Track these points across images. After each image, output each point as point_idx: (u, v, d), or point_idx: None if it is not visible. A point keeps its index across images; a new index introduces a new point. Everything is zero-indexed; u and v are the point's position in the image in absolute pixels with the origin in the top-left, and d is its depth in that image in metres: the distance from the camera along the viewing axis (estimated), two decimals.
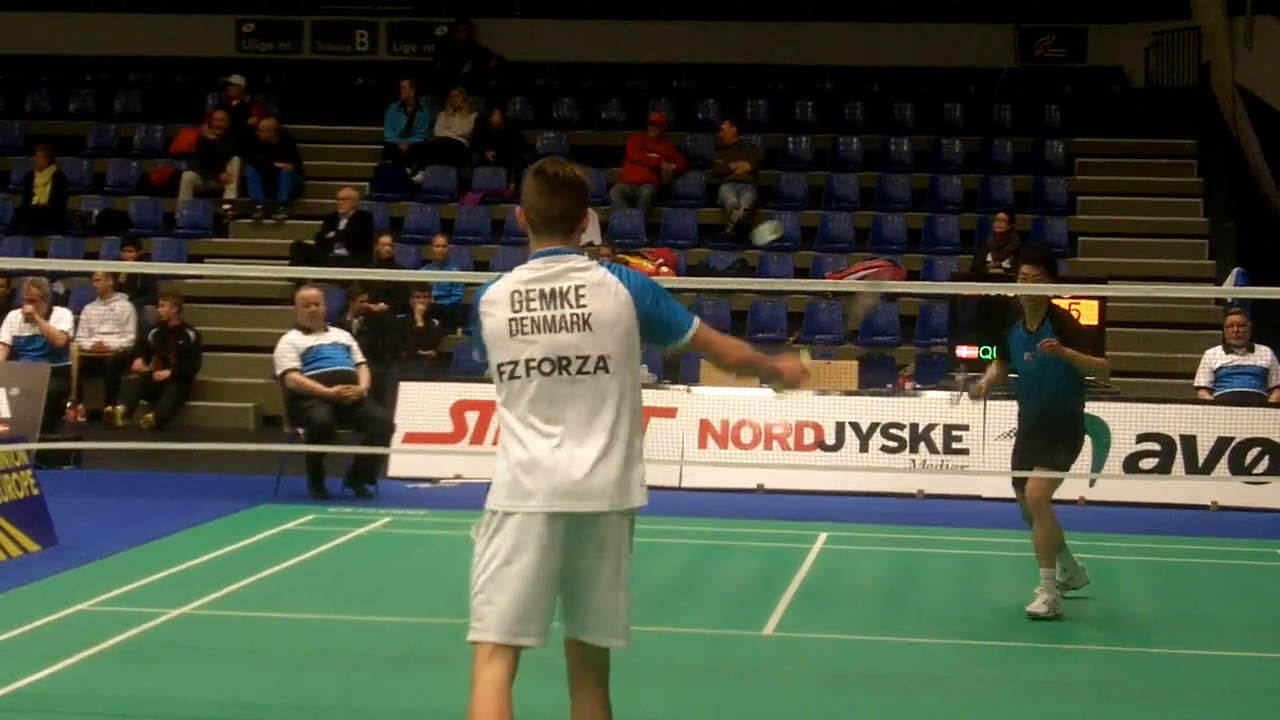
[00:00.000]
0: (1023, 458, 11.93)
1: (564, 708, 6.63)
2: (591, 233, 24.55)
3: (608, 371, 6.32)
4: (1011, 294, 13.42)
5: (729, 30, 28.75)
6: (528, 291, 6.33)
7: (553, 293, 6.31)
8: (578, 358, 6.29)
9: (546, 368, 6.29)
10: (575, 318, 6.29)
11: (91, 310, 21.97)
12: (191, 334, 21.91)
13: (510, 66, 28.30)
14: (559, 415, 6.30)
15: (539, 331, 6.30)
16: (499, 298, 6.37)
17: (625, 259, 23.01)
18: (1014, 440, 12.29)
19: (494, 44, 28.72)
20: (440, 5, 29.63)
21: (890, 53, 28.18)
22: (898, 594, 12.67)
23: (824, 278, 22.64)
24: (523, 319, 6.31)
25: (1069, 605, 11.90)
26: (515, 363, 6.32)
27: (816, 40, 28.44)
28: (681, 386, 18.39)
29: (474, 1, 29.20)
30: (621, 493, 6.33)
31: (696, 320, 6.51)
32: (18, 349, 19.38)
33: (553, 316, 6.29)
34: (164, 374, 21.43)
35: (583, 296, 6.31)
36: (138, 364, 21.51)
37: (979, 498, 17.06)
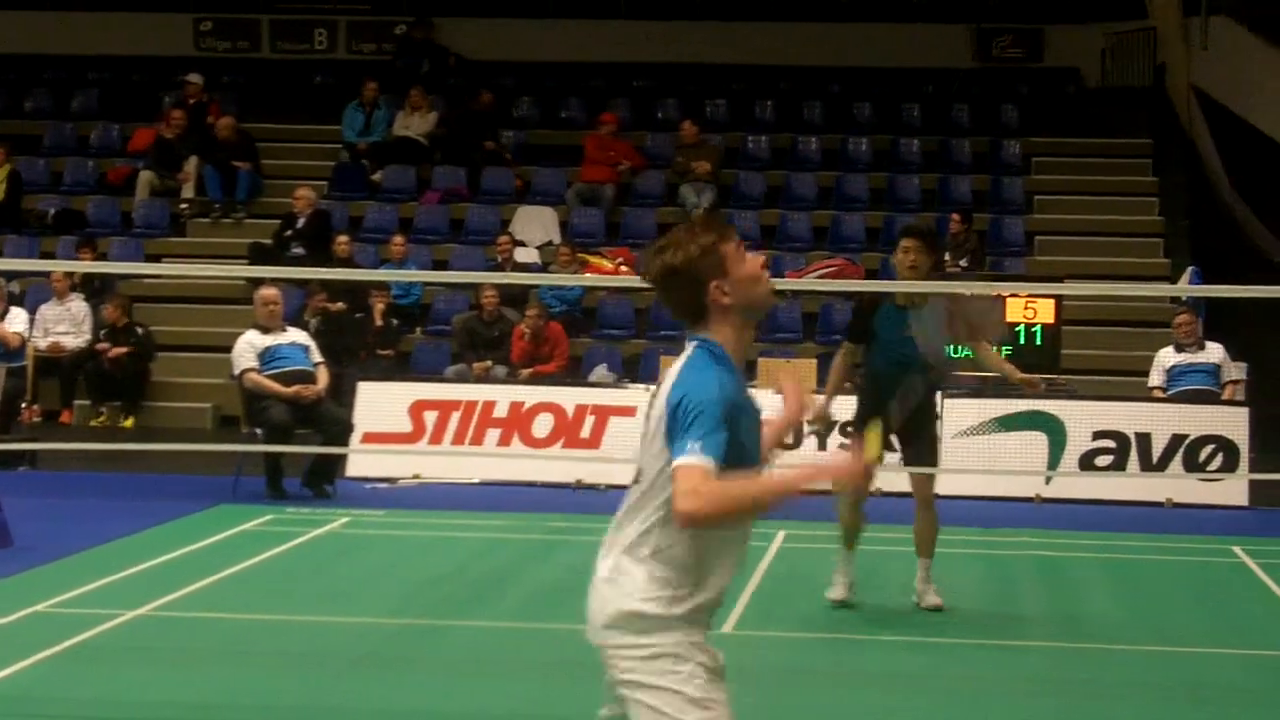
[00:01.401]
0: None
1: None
2: (550, 232, 24.60)
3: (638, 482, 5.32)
4: (968, 291, 13.42)
5: (688, 30, 28.77)
6: None
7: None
8: None
9: None
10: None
11: (48, 310, 21.90)
12: (140, 330, 21.86)
13: (470, 65, 28.28)
14: None
15: None
16: None
17: (585, 258, 23.05)
18: (862, 409, 11.69)
19: (453, 43, 28.69)
20: (399, 4, 29.60)
21: (849, 53, 28.24)
22: (856, 592, 12.68)
23: (783, 276, 22.66)
24: None
25: (1027, 603, 11.96)
26: None
27: (775, 40, 28.47)
28: (642, 385, 18.39)
29: (433, 0, 29.17)
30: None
31: (692, 459, 5.00)
32: None
33: None
34: (118, 351, 21.31)
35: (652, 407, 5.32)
36: (107, 349, 21.44)
37: (936, 495, 17.02)
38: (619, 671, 5.21)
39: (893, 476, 12.16)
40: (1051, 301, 18.68)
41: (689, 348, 5.21)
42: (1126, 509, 16.74)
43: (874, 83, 28.14)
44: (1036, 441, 17.34)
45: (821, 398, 11.80)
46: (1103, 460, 17.35)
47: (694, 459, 4.95)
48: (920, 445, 11.83)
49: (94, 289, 22.82)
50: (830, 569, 12.73)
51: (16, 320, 19.67)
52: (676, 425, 5.03)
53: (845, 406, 12.31)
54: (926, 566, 11.79)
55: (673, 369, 5.19)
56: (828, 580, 12.20)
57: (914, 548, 11.85)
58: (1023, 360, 18.45)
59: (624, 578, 5.19)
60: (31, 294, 22.60)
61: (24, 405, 20.06)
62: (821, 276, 22.57)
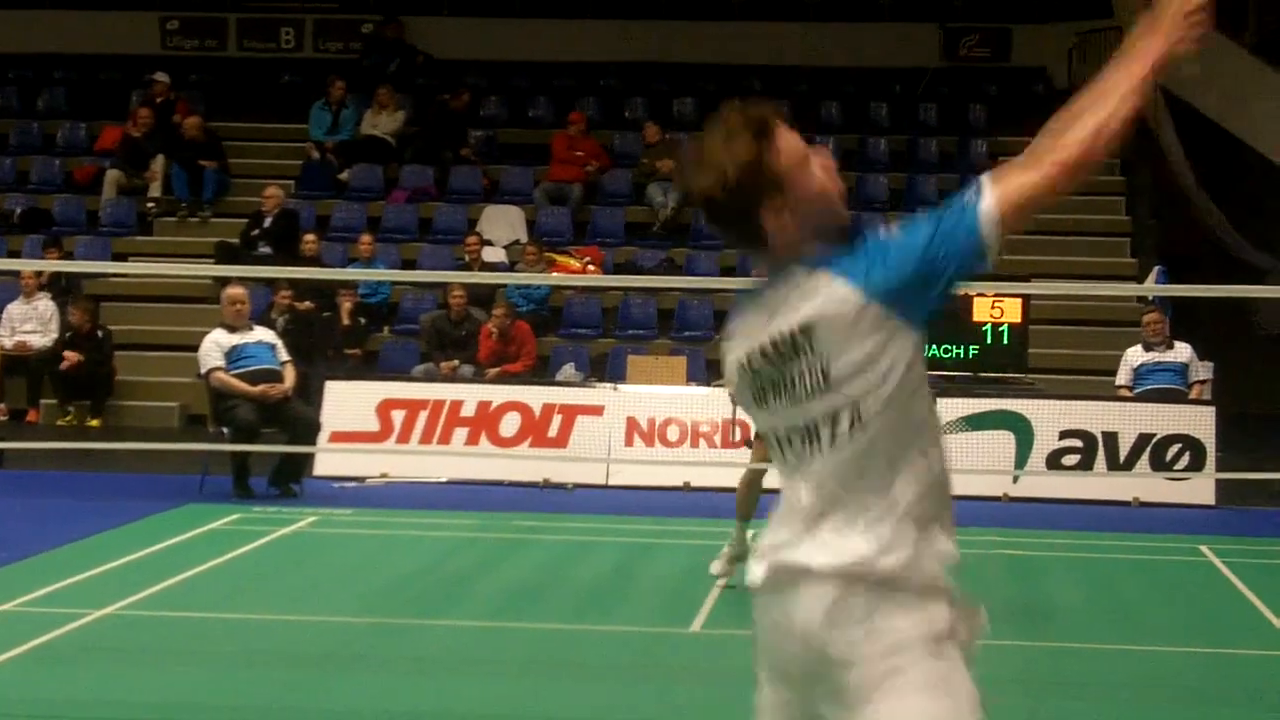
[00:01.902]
0: None
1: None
2: (518, 231, 24.59)
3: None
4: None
5: (656, 29, 28.79)
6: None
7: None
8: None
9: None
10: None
11: (14, 309, 21.84)
12: (100, 333, 21.80)
13: (438, 64, 28.25)
14: None
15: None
16: None
17: (553, 257, 23.04)
18: None
19: (421, 42, 28.66)
20: (367, 2, 29.56)
21: (817, 52, 28.28)
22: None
23: (750, 275, 22.67)
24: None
25: (994, 601, 11.96)
26: None
27: (743, 39, 28.50)
28: (609, 385, 18.41)
29: None
30: None
31: (987, 193, 4.07)
32: None
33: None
34: (73, 356, 21.22)
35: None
36: (68, 354, 21.35)
37: None
38: None
39: None
40: (1019, 300, 18.74)
41: (806, 274, 3.98)
42: (1094, 508, 16.80)
43: (842, 82, 28.18)
44: (1004, 440, 17.37)
45: None
46: (1070, 459, 17.40)
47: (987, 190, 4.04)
48: None
49: (61, 288, 22.75)
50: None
51: None
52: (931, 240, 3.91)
53: None
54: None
55: (795, 301, 3.98)
56: None
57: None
58: (990, 359, 18.58)
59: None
60: None
61: None
62: None
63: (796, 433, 4.08)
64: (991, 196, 4.04)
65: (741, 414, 13.80)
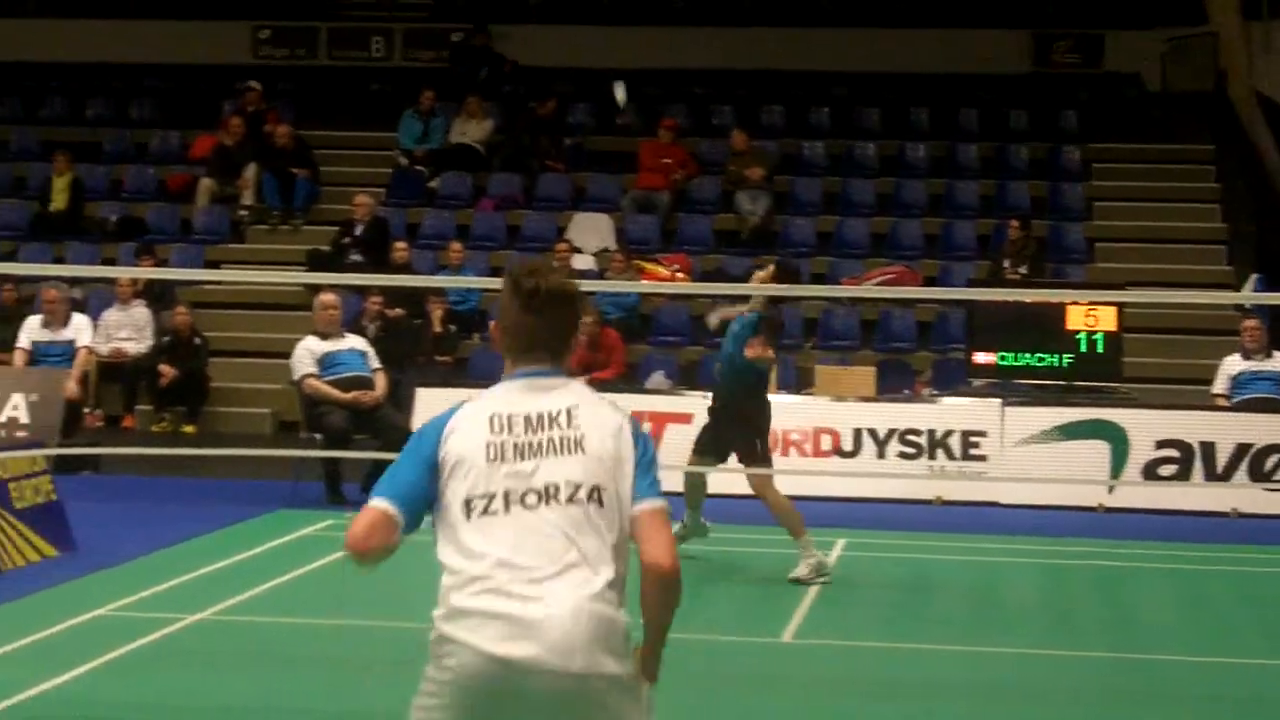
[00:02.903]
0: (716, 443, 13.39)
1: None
2: (606, 239, 24.59)
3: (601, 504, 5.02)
4: (1029, 299, 13.54)
5: (743, 36, 28.74)
6: (509, 416, 5.13)
7: (540, 417, 5.10)
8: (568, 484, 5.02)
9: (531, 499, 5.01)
10: (565, 440, 5.06)
11: (110, 316, 22.00)
12: (198, 340, 21.93)
13: (526, 72, 28.31)
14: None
15: (522, 459, 5.04)
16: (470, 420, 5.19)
17: (641, 265, 23.03)
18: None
19: (509, 50, 28.72)
20: (456, 11, 29.66)
21: (905, 58, 28.15)
22: (914, 600, 12.65)
23: (840, 283, 22.62)
24: (503, 444, 5.08)
25: (1087, 612, 11.88)
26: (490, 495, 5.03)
27: (831, 46, 28.42)
28: (698, 393, 18.36)
29: (490, 7, 29.22)
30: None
31: (659, 502, 5.08)
32: (37, 354, 19.35)
33: (539, 441, 5.07)
34: (169, 371, 21.38)
35: (575, 419, 5.08)
36: (165, 369, 21.48)
37: (997, 504, 17.05)
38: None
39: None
40: (1113, 309, 18.54)
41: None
42: (1190, 519, 16.60)
43: (931, 88, 28.04)
44: (1099, 450, 17.23)
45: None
46: (1166, 469, 17.21)
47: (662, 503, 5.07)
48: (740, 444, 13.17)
49: (155, 295, 22.92)
50: (889, 575, 12.71)
51: (81, 326, 19.74)
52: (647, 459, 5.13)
53: None
54: (802, 544, 12.87)
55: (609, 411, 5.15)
56: (885, 585, 12.19)
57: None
58: (1084, 369, 18.42)
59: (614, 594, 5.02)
60: (93, 300, 22.73)
61: (86, 410, 20.17)
62: (879, 284, 22.49)
63: None
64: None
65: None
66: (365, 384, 16.56)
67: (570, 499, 4.97)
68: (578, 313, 5.27)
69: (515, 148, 26.39)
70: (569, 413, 5.07)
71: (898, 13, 29.17)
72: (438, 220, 25.51)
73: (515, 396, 5.15)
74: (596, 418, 5.09)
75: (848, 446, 17.66)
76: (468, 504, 5.03)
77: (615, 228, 24.89)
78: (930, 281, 23.22)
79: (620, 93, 24.02)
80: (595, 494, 4.98)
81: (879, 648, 11.00)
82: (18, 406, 18.01)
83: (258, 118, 26.66)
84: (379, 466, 16.37)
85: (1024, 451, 17.27)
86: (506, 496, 4.99)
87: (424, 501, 5.15)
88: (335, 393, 16.37)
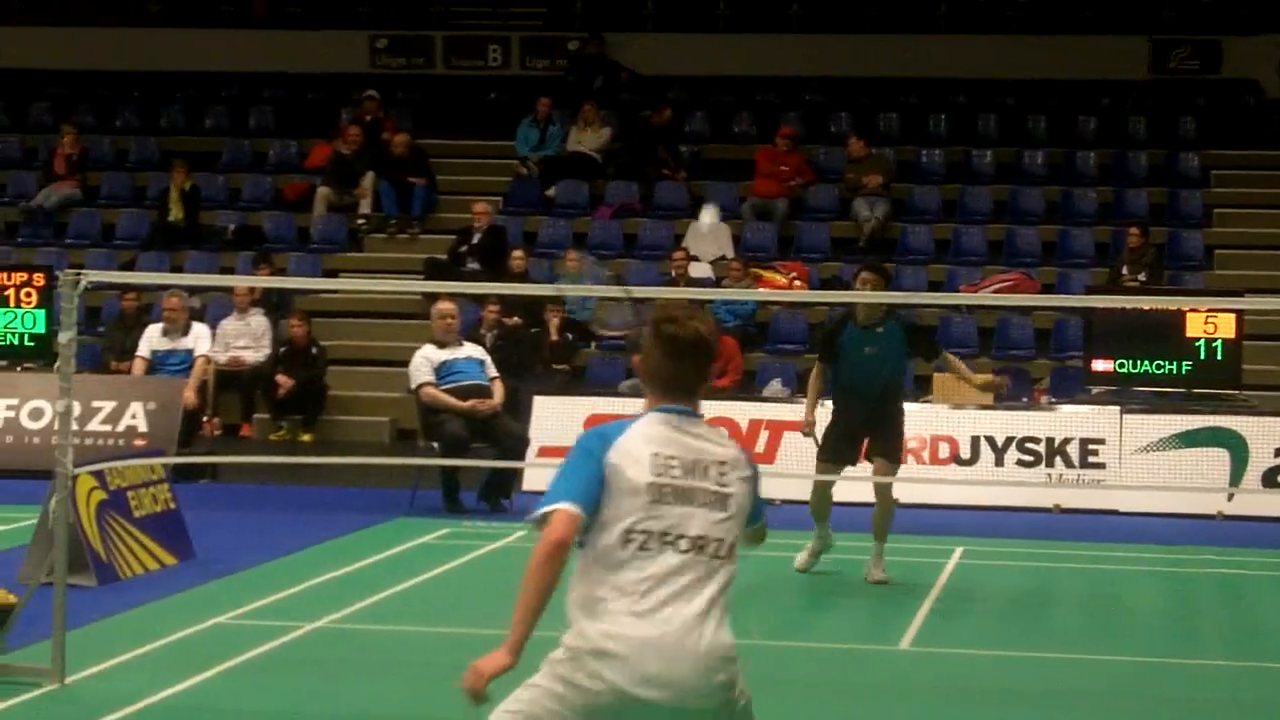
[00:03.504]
0: (850, 448, 13.20)
1: None
2: (723, 247, 24.57)
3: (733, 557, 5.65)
4: (1147, 306, 13.51)
5: (859, 43, 28.63)
6: (668, 458, 5.60)
7: (694, 465, 5.63)
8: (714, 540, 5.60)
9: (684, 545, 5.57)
10: (717, 497, 5.62)
11: (228, 325, 22.17)
12: (315, 350, 22.09)
13: (641, 80, 28.34)
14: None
15: (680, 504, 5.57)
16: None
17: (758, 273, 23.01)
18: (830, 432, 13.19)
19: (625, 58, 28.78)
20: (572, 20, 29.73)
21: (1023, 65, 27.95)
22: (1032, 609, 12.58)
23: (958, 291, 22.52)
24: (663, 486, 5.57)
25: (1207, 621, 11.77)
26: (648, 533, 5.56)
27: (948, 53, 28.26)
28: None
29: (606, 16, 29.28)
30: None
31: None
32: (156, 363, 19.52)
33: (694, 490, 5.60)
34: (287, 382, 21.58)
35: (726, 478, 5.64)
36: (282, 379, 21.67)
37: (1116, 512, 16.93)
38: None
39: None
40: (1232, 316, 18.34)
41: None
42: None
43: (1049, 95, 27.85)
44: (1218, 457, 17.08)
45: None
46: None
47: None
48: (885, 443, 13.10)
49: (273, 304, 23.10)
50: (1007, 584, 12.63)
51: (199, 335, 19.88)
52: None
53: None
54: (878, 549, 13.08)
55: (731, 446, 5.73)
56: (1003, 594, 12.12)
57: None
58: (1203, 376, 18.24)
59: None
60: (212, 309, 22.93)
61: (205, 419, 20.37)
62: (997, 291, 22.38)
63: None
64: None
65: None
66: (483, 392, 16.63)
67: (715, 554, 5.54)
68: (712, 356, 5.85)
69: (631, 156, 26.44)
70: (720, 469, 5.61)
71: (1016, 19, 28.97)
72: (554, 228, 25.58)
73: (670, 435, 5.62)
74: (740, 475, 5.65)
75: (966, 454, 17.60)
76: (627, 535, 5.55)
77: (732, 235, 24.85)
78: (1048, 289, 23.07)
79: (709, 215, 24.32)
80: (732, 550, 5.59)
81: (997, 656, 10.94)
82: (136, 415, 18.22)
83: (375, 126, 26.84)
84: (497, 475, 16.53)
85: (1143, 459, 17.14)
86: (663, 537, 5.53)
87: (597, 507, 5.59)
88: (453, 401, 16.45)
